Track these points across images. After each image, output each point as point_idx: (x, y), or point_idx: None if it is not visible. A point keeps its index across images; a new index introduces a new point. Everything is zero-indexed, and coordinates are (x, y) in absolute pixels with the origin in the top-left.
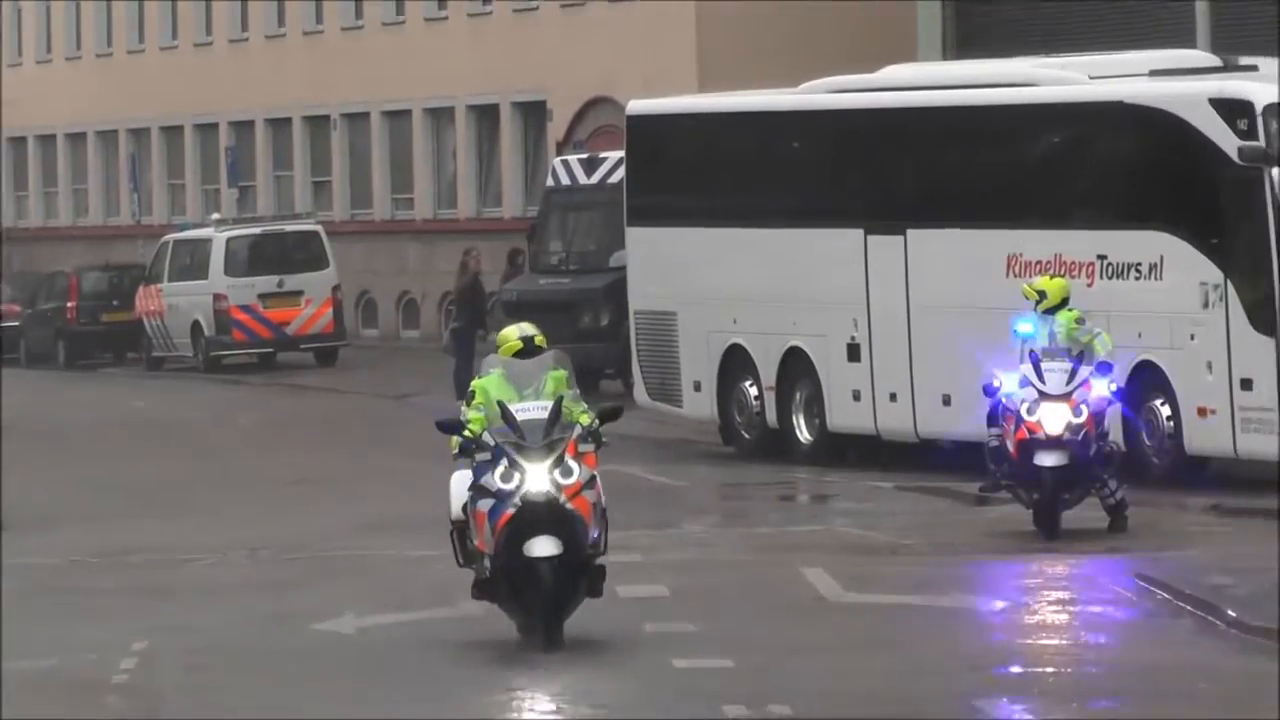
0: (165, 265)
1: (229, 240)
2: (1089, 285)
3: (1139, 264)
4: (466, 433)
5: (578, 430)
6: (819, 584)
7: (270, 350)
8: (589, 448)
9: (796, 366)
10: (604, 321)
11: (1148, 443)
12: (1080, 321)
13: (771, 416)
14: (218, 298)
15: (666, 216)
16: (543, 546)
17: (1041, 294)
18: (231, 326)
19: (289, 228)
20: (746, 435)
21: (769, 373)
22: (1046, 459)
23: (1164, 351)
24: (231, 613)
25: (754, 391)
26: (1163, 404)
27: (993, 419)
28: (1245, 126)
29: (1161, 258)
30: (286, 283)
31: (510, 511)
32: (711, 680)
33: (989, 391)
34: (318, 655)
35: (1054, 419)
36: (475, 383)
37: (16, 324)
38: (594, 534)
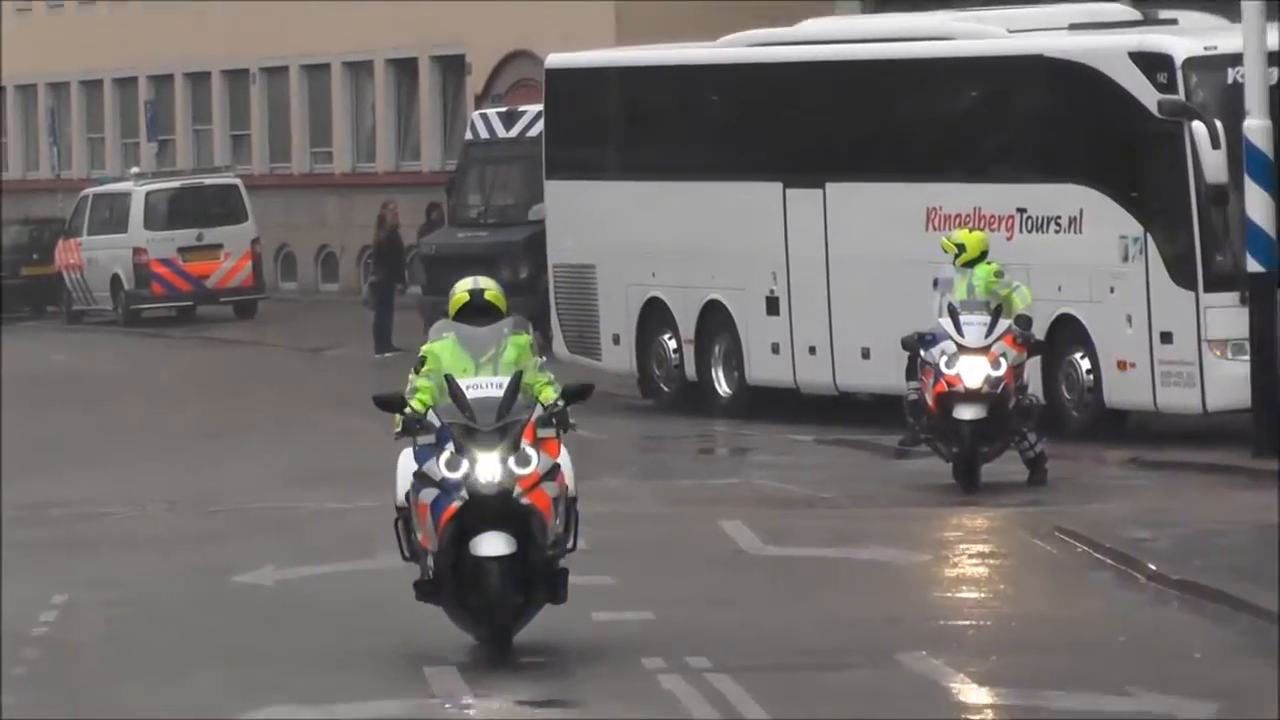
0: (84, 219)
1: (148, 194)
2: (1008, 238)
3: (1058, 217)
4: (409, 409)
5: (538, 411)
6: (738, 537)
7: (189, 304)
8: (550, 432)
9: (715, 320)
10: (523, 275)
11: (1067, 396)
12: (999, 275)
13: (690, 369)
14: (137, 251)
15: (585, 170)
16: (491, 545)
17: (960, 247)
18: (151, 280)
19: (208, 181)
20: (665, 388)
21: (688, 326)
22: (965, 412)
23: (1083, 305)
24: (151, 566)
25: (673, 344)
26: (1082, 357)
27: (912, 372)
28: (1165, 80)
29: (1081, 211)
30: (205, 236)
31: (456, 504)
32: (630, 633)
33: (908, 344)
34: (238, 607)
35: (973, 372)
36: (426, 348)
37: None
38: (555, 532)
